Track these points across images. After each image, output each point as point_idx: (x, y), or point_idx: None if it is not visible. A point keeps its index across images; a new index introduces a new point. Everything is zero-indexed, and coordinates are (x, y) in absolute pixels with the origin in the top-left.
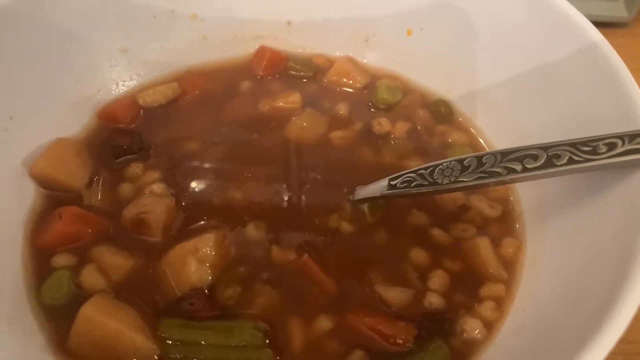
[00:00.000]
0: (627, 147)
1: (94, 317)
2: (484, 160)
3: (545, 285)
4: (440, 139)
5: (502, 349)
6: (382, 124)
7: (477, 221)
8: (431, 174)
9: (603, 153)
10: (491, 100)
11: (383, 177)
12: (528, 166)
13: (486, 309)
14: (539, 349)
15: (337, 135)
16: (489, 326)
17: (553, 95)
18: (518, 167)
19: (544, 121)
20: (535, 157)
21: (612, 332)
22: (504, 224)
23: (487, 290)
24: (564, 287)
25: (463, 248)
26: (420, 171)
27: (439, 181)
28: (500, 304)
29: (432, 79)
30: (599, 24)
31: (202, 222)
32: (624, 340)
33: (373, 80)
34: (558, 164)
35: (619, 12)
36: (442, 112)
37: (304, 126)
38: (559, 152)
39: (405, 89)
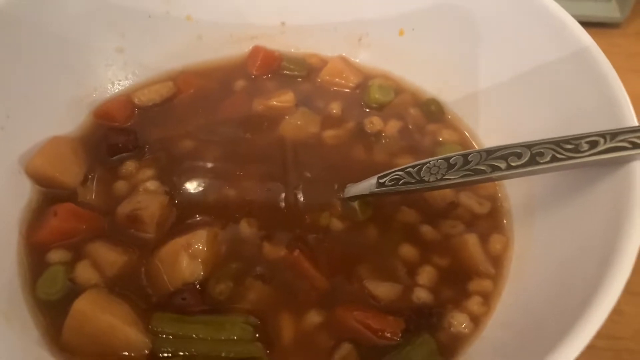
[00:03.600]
0: (609, 144)
1: (87, 311)
2: (469, 158)
3: (531, 280)
4: (431, 137)
5: (488, 342)
6: (374, 123)
7: (465, 218)
8: (418, 172)
9: (585, 151)
10: (481, 100)
11: (374, 175)
12: (512, 164)
13: (473, 303)
14: (524, 342)
15: (329, 134)
16: (476, 320)
17: (542, 96)
18: (502, 165)
19: (533, 121)
20: (519, 155)
21: (591, 324)
22: (492, 221)
23: (474, 285)
24: (549, 282)
25: (452, 244)
26: (408, 169)
27: (426, 179)
28: (488, 299)
29: (424, 78)
30: (592, 25)
31: (195, 219)
32: (612, 337)
33: (366, 79)
34: (541, 161)
35: (612, 12)
36: (433, 111)
37: (297, 125)
38: (542, 150)
39: (398, 88)
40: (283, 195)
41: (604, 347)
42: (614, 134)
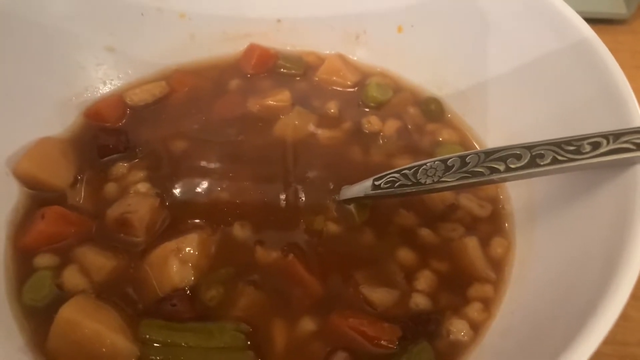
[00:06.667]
0: (612, 146)
1: (73, 318)
2: (467, 160)
3: (533, 286)
4: (430, 137)
5: (488, 350)
6: (372, 123)
7: (466, 220)
8: (415, 174)
9: (587, 152)
10: (482, 98)
11: (371, 177)
12: (511, 166)
13: (473, 310)
14: (525, 350)
15: (326, 134)
16: (476, 328)
17: (544, 92)
18: (501, 167)
19: (536, 118)
20: (518, 157)
21: (597, 332)
22: (493, 224)
23: (474, 291)
24: (552, 288)
25: (451, 248)
26: (404, 171)
27: (423, 181)
28: (488, 305)
29: (423, 76)
30: (598, 21)
31: (187, 222)
32: (618, 342)
33: (364, 78)
34: (542, 163)
35: (619, 8)
36: (432, 110)
37: (293, 125)
38: (542, 152)
39: (396, 87)
40: (277, 197)
41: (609, 353)
42: (617, 135)
